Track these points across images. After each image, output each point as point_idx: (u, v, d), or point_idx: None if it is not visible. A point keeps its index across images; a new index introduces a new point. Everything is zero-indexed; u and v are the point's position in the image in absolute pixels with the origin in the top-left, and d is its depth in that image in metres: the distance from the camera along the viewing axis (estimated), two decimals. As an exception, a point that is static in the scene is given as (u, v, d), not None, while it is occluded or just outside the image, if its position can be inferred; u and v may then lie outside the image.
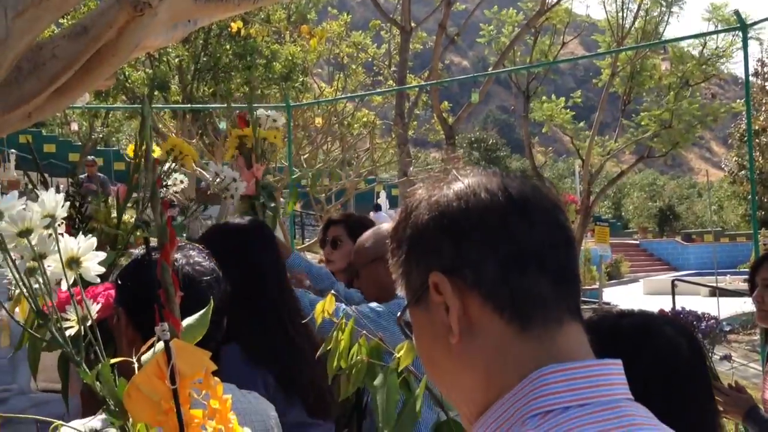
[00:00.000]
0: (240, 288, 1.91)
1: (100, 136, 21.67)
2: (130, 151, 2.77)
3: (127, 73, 15.95)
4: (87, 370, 1.03)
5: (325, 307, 1.71)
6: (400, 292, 0.92)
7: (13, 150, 21.36)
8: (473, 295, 0.82)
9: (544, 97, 18.22)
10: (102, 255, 1.17)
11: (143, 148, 1.10)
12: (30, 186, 2.69)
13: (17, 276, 1.08)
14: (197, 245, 1.54)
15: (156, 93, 15.62)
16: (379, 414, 1.47)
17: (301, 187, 12.38)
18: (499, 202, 0.83)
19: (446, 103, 17.95)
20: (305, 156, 10.51)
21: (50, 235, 1.11)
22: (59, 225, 1.13)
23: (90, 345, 1.09)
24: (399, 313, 0.95)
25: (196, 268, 1.44)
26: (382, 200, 23.12)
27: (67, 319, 1.13)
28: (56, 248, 1.12)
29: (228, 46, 16.01)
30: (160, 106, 13.35)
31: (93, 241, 1.15)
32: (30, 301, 1.07)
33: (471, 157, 37.14)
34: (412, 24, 14.72)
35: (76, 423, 1.26)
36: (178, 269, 1.42)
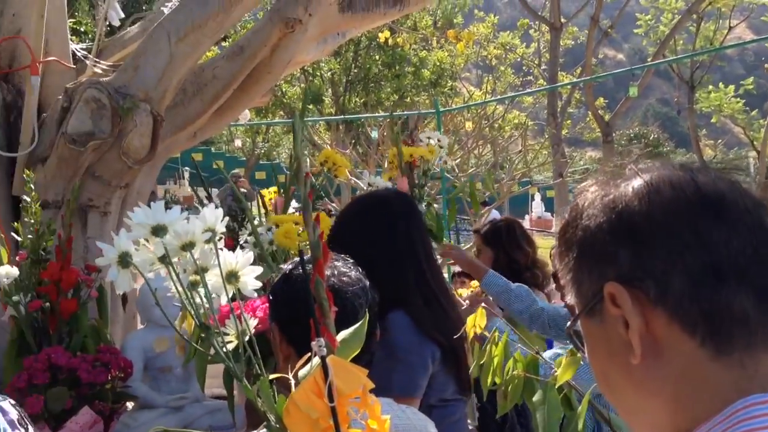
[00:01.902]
0: (394, 256, 1.92)
1: (262, 150, 22.82)
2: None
3: (283, 89, 16.68)
4: (248, 384, 1.03)
5: (476, 322, 1.64)
6: (570, 299, 0.83)
7: (186, 167, 22.99)
8: (657, 310, 0.70)
9: (710, 87, 17.01)
10: (259, 270, 1.17)
11: (296, 161, 1.09)
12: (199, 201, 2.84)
13: (181, 289, 1.10)
14: (342, 256, 1.51)
15: (310, 106, 16.23)
16: (540, 433, 1.37)
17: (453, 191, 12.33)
18: (689, 202, 0.71)
19: (601, 99, 17.25)
20: (456, 161, 10.45)
21: (211, 249, 1.12)
22: (219, 239, 1.14)
23: (250, 359, 1.09)
24: (569, 323, 0.85)
25: (342, 279, 1.42)
26: (537, 203, 22.57)
27: (227, 333, 1.14)
28: (215, 262, 1.13)
29: (377, 57, 16.32)
30: (314, 118, 13.81)
31: (250, 255, 1.16)
32: (193, 314, 1.08)
33: (631, 154, 35.41)
34: (562, 20, 14.27)
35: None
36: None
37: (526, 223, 20.53)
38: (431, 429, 1.48)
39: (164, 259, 1.11)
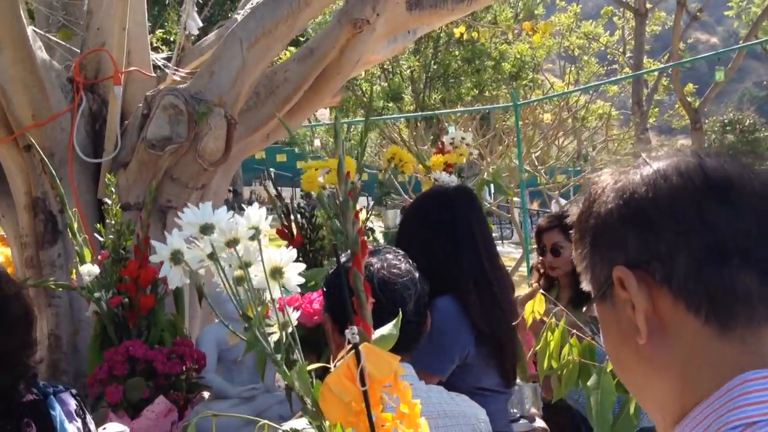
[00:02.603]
0: (454, 247, 2.00)
1: (344, 150, 23.14)
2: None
3: (363, 88, 16.87)
4: (287, 371, 1.09)
5: (534, 308, 1.66)
6: (585, 286, 0.86)
7: (271, 168, 23.67)
8: (663, 291, 0.73)
9: (809, 68, 16.08)
10: (301, 266, 1.23)
11: (338, 163, 1.15)
12: (277, 201, 2.95)
13: (227, 284, 1.18)
14: (394, 248, 1.57)
15: (390, 104, 16.34)
16: (594, 417, 1.39)
17: (535, 185, 12.19)
18: (694, 187, 0.74)
19: (691, 85, 16.63)
20: (537, 153, 10.31)
21: (255, 246, 1.19)
22: (264, 237, 1.21)
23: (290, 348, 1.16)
24: (584, 308, 0.88)
25: (391, 271, 1.47)
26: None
27: (270, 325, 1.21)
28: (261, 260, 1.20)
29: (456, 52, 16.26)
30: (391, 116, 13.91)
31: (294, 252, 1.22)
32: (237, 307, 1.16)
33: (724, 140, 33.89)
34: (647, 5, 13.83)
35: (293, 422, 1.34)
36: (374, 273, 1.46)
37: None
38: (481, 416, 1.52)
39: (212, 256, 1.19)
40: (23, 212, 3.09)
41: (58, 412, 1.52)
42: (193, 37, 4.04)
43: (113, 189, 2.46)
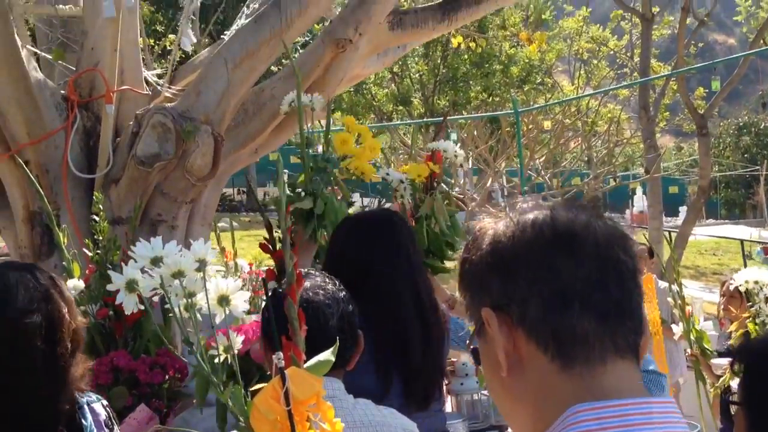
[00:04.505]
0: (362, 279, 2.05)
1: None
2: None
3: (373, 92, 16.97)
4: (222, 390, 1.21)
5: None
6: (469, 324, 0.98)
7: (285, 170, 23.85)
8: (519, 331, 0.85)
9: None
10: (247, 294, 1.35)
11: (279, 201, 1.26)
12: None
13: (177, 312, 1.30)
14: (325, 274, 1.69)
15: (400, 108, 16.42)
16: None
17: (541, 190, 12.27)
18: (544, 239, 0.85)
19: (702, 88, 16.60)
20: (541, 159, 10.39)
21: (202, 277, 1.31)
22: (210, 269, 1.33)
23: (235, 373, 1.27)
24: (468, 341, 1.00)
25: (315, 290, 1.59)
26: (638, 197, 21.95)
27: (215, 348, 1.33)
28: (210, 288, 1.32)
29: (465, 56, 16.33)
30: (401, 122, 14.00)
31: (239, 282, 1.34)
32: (182, 331, 1.28)
33: (740, 143, 33.70)
34: (654, 10, 13.83)
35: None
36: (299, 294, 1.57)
37: (626, 219, 20.27)
38: (409, 427, 1.62)
39: (162, 286, 1.32)
40: (21, 225, 3.23)
41: (89, 422, 1.59)
42: (192, 48, 4.18)
43: (100, 205, 2.59)
